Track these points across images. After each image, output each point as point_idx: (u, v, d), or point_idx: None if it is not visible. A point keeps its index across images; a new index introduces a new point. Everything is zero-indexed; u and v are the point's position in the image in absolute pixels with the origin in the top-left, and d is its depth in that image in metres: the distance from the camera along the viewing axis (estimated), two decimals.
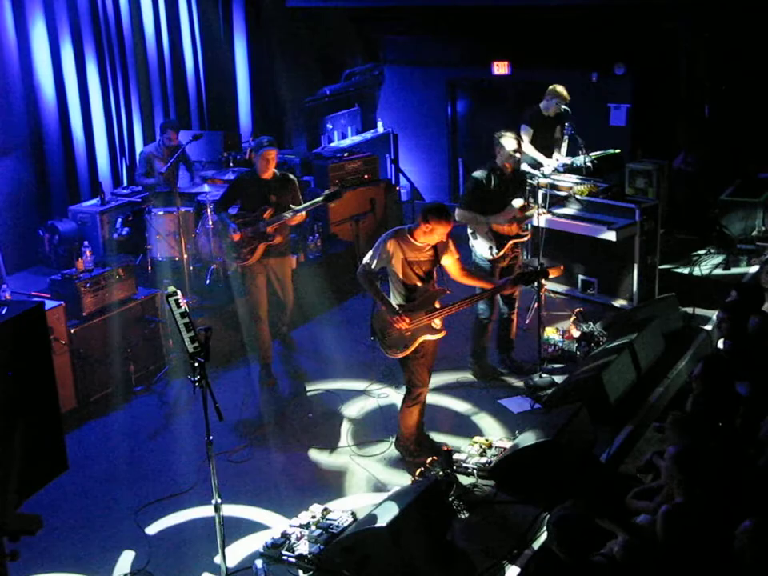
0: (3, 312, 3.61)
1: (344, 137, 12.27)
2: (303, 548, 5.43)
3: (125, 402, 7.51)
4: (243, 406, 7.30)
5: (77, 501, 6.17)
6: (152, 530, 5.86)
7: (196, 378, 4.76)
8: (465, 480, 6.13)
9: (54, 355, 6.70)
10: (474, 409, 7.17)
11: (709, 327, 8.16)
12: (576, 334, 7.96)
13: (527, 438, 6.08)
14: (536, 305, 7.85)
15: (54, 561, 5.57)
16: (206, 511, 5.71)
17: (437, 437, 6.65)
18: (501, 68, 12.42)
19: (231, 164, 9.83)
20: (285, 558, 5.40)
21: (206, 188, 8.77)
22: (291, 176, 7.63)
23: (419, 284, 6.08)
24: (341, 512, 5.75)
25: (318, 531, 5.53)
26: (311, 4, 12.47)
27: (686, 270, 9.63)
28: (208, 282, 8.58)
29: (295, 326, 8.19)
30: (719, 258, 9.80)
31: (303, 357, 8.09)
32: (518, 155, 7.35)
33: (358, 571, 5.14)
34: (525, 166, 9.05)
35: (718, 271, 9.58)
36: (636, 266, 8.54)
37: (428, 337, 6.10)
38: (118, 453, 6.78)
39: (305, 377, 7.81)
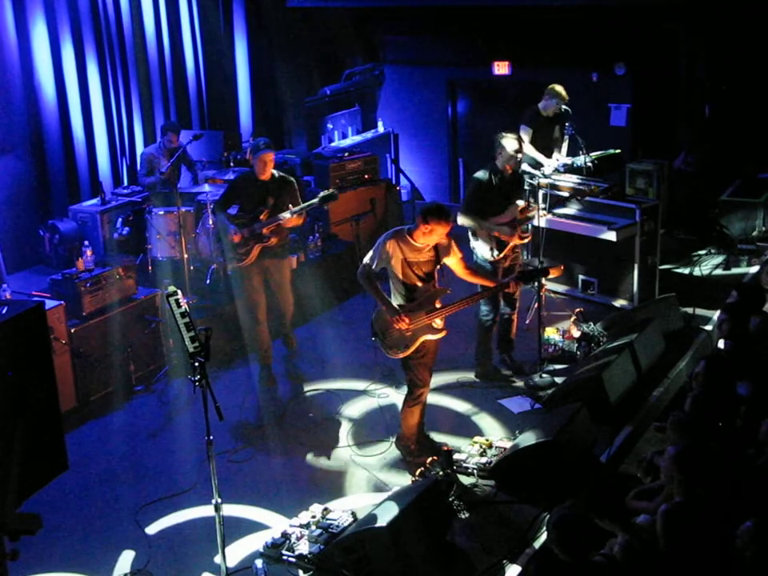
0: (3, 312, 3.61)
1: (344, 137, 12.28)
2: (303, 548, 5.44)
3: (125, 402, 7.51)
4: (243, 405, 7.30)
5: (77, 501, 6.18)
6: (152, 529, 5.86)
7: (196, 378, 4.76)
8: (465, 480, 6.13)
9: (54, 355, 6.70)
10: (474, 409, 7.18)
11: (709, 327, 8.16)
12: (576, 334, 7.96)
13: (527, 438, 6.08)
14: (536, 305, 7.85)
15: (54, 560, 5.57)
16: (206, 511, 5.71)
17: (437, 437, 6.65)
18: (501, 68, 12.42)
19: (231, 164, 9.83)
20: (285, 557, 5.41)
21: (206, 188, 8.77)
22: (290, 178, 7.57)
23: (419, 284, 6.08)
24: (341, 512, 5.75)
25: (318, 531, 5.53)
26: (311, 4, 12.47)
27: (686, 270, 9.62)
28: (208, 281, 8.58)
29: (295, 326, 8.18)
30: (719, 259, 9.79)
31: (303, 357, 8.07)
32: (519, 156, 7.35)
33: (357, 571, 5.14)
34: (525, 167, 9.05)
35: (719, 271, 9.58)
36: (636, 266, 8.53)
37: (429, 336, 6.10)
38: (118, 453, 6.78)
39: (303, 378, 7.80)
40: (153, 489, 6.26)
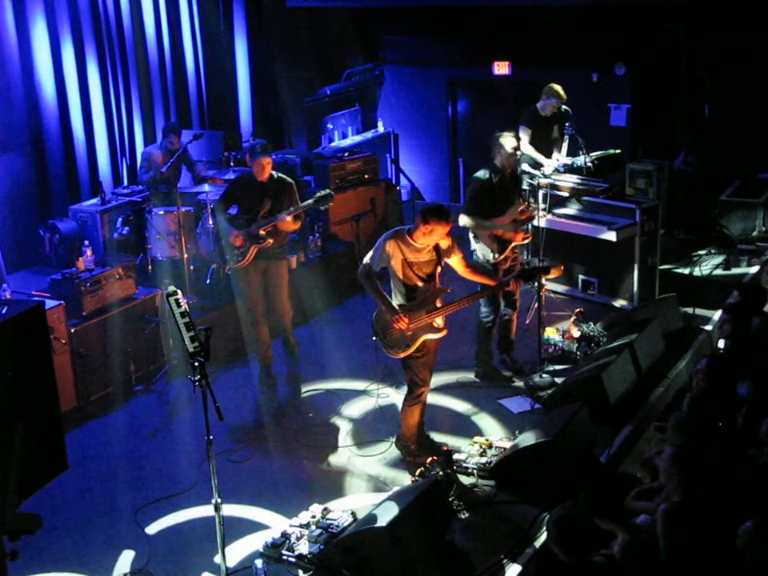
0: (3, 311, 3.61)
1: (344, 137, 12.28)
2: (303, 548, 5.44)
3: (125, 402, 7.51)
4: (243, 405, 7.30)
5: (77, 501, 6.18)
6: (152, 529, 5.86)
7: (196, 378, 4.76)
8: (465, 480, 6.13)
9: (54, 355, 6.70)
10: (474, 409, 7.17)
11: (709, 327, 8.16)
12: (576, 334, 7.96)
13: (527, 438, 6.08)
14: (536, 305, 7.85)
15: (54, 561, 5.56)
16: (206, 511, 5.71)
17: (437, 437, 6.65)
18: (501, 68, 12.42)
19: (231, 164, 9.83)
20: (285, 557, 5.41)
21: (206, 188, 8.77)
22: (289, 179, 7.51)
23: (420, 284, 6.07)
24: (341, 512, 5.75)
25: (318, 531, 5.53)
26: (311, 4, 12.47)
27: (686, 270, 9.62)
28: (208, 281, 8.57)
29: (295, 326, 8.16)
30: (719, 259, 9.79)
31: (303, 357, 8.05)
32: (518, 154, 7.35)
33: (357, 571, 5.14)
34: (525, 167, 9.06)
35: (719, 271, 9.57)
36: (636, 266, 8.53)
37: (429, 336, 6.10)
38: (118, 453, 6.78)
39: (302, 380, 7.78)
40: (153, 489, 6.26)
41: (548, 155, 9.36)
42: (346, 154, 10.49)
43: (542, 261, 7.83)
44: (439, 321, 6.11)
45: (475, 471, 6.16)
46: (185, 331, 4.80)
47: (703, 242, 10.13)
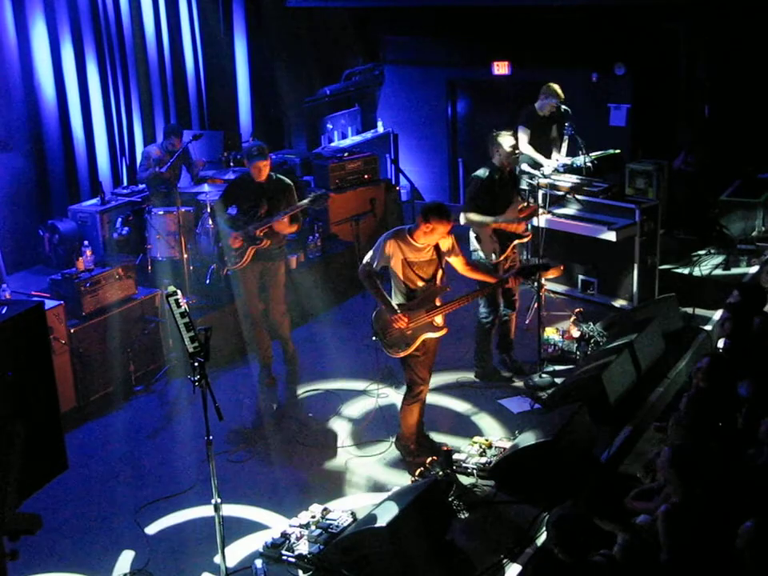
0: (3, 312, 3.60)
1: (344, 137, 12.28)
2: (303, 548, 5.44)
3: (125, 402, 7.51)
4: (243, 405, 7.30)
5: (77, 501, 6.18)
6: (152, 529, 5.86)
7: (196, 378, 4.76)
8: (465, 480, 6.13)
9: (54, 355, 6.71)
10: (473, 409, 7.17)
11: (709, 327, 8.16)
12: (576, 334, 7.96)
13: (527, 438, 6.08)
14: (536, 305, 7.85)
15: (54, 561, 5.57)
16: (206, 511, 5.71)
17: (437, 437, 6.65)
18: (501, 68, 12.41)
19: (231, 164, 9.83)
20: (284, 557, 5.41)
21: (205, 188, 8.77)
22: (287, 181, 7.47)
23: (420, 284, 6.07)
24: (341, 512, 5.75)
25: (318, 531, 5.53)
26: (311, 4, 12.47)
27: (686, 270, 9.62)
28: (208, 281, 8.56)
29: (295, 326, 8.17)
30: (719, 259, 9.79)
31: (303, 357, 8.05)
32: (516, 152, 7.36)
33: (357, 571, 5.14)
34: (524, 167, 9.07)
35: (718, 271, 9.58)
36: (636, 266, 8.53)
37: (429, 335, 6.10)
38: (118, 453, 6.78)
39: (300, 382, 7.76)
40: (153, 489, 6.26)
41: (547, 155, 9.36)
42: (346, 154, 10.49)
43: (542, 259, 7.82)
44: (439, 320, 6.11)
45: (475, 471, 6.16)
46: (185, 331, 4.80)
47: (703, 242, 10.14)
